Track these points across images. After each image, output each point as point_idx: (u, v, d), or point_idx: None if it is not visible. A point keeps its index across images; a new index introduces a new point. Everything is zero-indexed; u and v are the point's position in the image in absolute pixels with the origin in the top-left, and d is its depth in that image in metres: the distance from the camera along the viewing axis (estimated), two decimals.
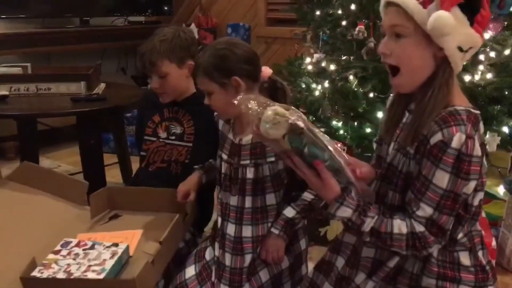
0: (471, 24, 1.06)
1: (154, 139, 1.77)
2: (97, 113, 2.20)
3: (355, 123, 2.24)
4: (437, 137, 1.04)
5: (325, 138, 1.06)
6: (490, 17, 1.10)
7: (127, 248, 1.31)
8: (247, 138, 1.37)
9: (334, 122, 2.29)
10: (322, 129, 2.35)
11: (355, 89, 2.16)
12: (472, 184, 1.05)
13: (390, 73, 1.15)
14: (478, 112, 1.10)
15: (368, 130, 2.19)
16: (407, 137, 1.11)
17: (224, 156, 1.43)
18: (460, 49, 1.06)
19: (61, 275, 1.19)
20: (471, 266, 1.14)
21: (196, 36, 3.90)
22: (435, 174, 1.04)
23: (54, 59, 3.50)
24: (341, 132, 2.28)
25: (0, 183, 1.72)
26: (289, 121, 0.99)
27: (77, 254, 1.28)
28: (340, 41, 2.32)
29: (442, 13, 1.03)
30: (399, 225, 1.08)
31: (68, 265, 1.23)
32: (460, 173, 1.03)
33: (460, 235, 1.14)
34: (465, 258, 1.14)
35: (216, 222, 1.49)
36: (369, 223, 1.09)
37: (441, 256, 1.13)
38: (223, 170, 1.43)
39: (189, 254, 1.52)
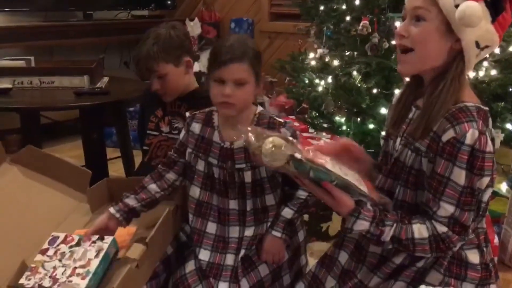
0: (493, 21, 1.06)
1: (157, 133, 1.77)
2: (100, 107, 2.20)
3: (358, 119, 2.24)
4: (450, 134, 1.04)
5: (328, 162, 1.07)
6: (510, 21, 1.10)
7: (113, 241, 1.28)
8: (238, 143, 1.35)
9: (337, 118, 2.28)
10: (325, 125, 2.35)
11: (359, 85, 2.15)
12: (486, 180, 1.05)
13: (400, 52, 1.14)
14: (487, 108, 1.10)
15: (371, 126, 2.18)
16: (416, 130, 1.11)
17: (213, 161, 1.39)
18: (477, 44, 1.06)
19: (46, 282, 1.19)
20: (477, 264, 1.14)
21: (200, 31, 3.90)
22: (452, 171, 1.05)
23: (57, 53, 3.50)
24: (344, 128, 2.27)
25: (3, 167, 1.69)
26: (288, 154, 1.04)
27: (63, 254, 1.26)
28: (344, 36, 2.31)
29: (472, 3, 1.02)
30: (419, 229, 1.08)
31: (54, 268, 1.23)
32: (473, 169, 1.03)
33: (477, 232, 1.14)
34: (471, 256, 1.14)
35: None
36: (388, 233, 1.09)
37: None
38: (216, 176, 1.39)
39: (190, 247, 1.52)
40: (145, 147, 1.79)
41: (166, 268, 1.44)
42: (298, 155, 1.04)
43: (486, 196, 1.11)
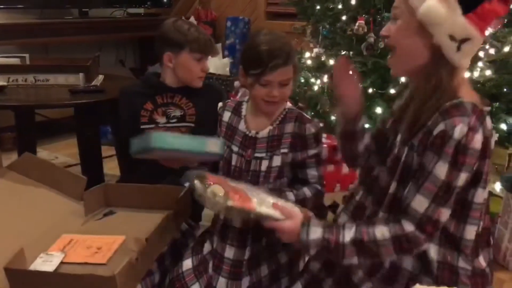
0: (464, 13, 1.05)
1: (152, 125, 1.77)
2: (95, 105, 2.19)
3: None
4: (440, 127, 1.04)
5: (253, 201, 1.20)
6: (501, 13, 1.07)
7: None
8: (264, 132, 1.41)
9: (333, 117, 2.29)
10: (321, 124, 2.35)
11: None
12: (463, 176, 1.05)
13: (389, 56, 1.19)
14: (487, 108, 1.10)
15: (367, 125, 2.18)
16: (406, 128, 1.12)
17: (235, 148, 1.43)
18: (452, 37, 1.06)
19: None
20: (469, 271, 1.13)
21: None
22: (436, 165, 1.05)
23: (52, 50, 3.48)
24: None
25: (0, 172, 1.71)
26: (222, 203, 1.17)
27: None
28: (340, 36, 2.32)
29: (432, 2, 1.04)
30: (382, 231, 1.08)
31: None
32: (456, 164, 1.03)
33: (462, 236, 1.12)
34: (463, 262, 1.13)
35: (215, 215, 1.49)
36: (347, 233, 1.09)
37: (441, 258, 1.12)
38: (233, 163, 1.43)
39: (185, 246, 1.52)
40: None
41: (160, 266, 1.44)
42: (229, 203, 1.17)
43: (478, 197, 1.10)
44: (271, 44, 1.32)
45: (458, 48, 1.07)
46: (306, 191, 1.41)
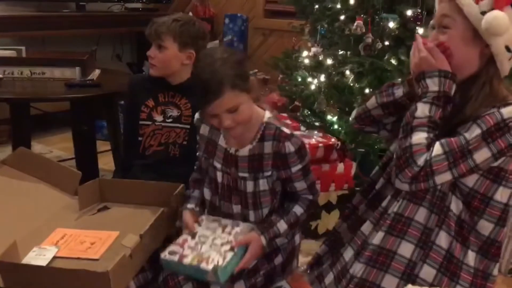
0: None
1: (150, 123, 1.78)
2: (91, 99, 2.19)
3: (350, 118, 2.24)
4: (493, 110, 1.05)
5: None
6: None
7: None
8: (244, 150, 1.34)
9: (329, 117, 2.29)
10: (317, 123, 2.36)
11: (351, 84, 2.16)
12: (485, 153, 1.05)
13: None
14: None
15: None
16: (442, 130, 1.12)
17: (218, 165, 1.39)
18: (508, 48, 1.07)
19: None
20: (472, 268, 1.13)
21: None
22: (468, 129, 1.06)
23: (49, 44, 3.46)
24: (336, 126, 2.28)
25: None
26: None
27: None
28: (338, 35, 2.32)
29: (499, 13, 1.04)
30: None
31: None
32: (487, 137, 1.04)
33: (475, 227, 1.13)
34: (472, 258, 1.13)
35: None
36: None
37: (450, 249, 1.12)
38: (219, 180, 1.40)
39: None
40: (140, 138, 1.80)
41: (153, 264, 1.44)
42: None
43: (498, 195, 1.11)
44: (202, 75, 1.23)
45: (510, 58, 1.09)
46: (297, 209, 1.39)
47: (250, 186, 1.36)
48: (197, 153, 1.50)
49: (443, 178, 1.08)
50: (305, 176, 1.37)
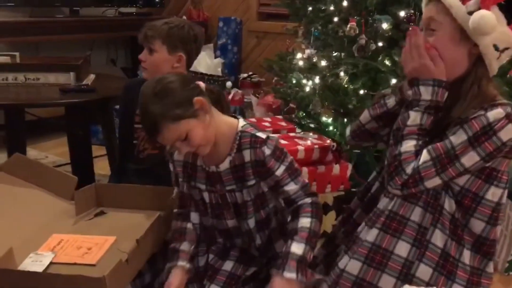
0: (508, 23, 1.09)
1: None
2: (86, 104, 2.18)
3: (345, 120, 2.25)
4: (480, 112, 1.06)
5: None
6: None
7: None
8: (224, 164, 1.29)
9: (324, 118, 2.30)
10: (312, 125, 2.36)
11: (346, 86, 2.17)
12: (473, 157, 1.06)
13: None
14: None
15: None
16: (431, 131, 1.13)
17: (202, 186, 1.34)
18: (496, 47, 1.08)
19: None
20: (469, 266, 1.14)
21: None
22: (455, 132, 1.07)
23: (43, 49, 3.46)
24: (331, 128, 2.29)
25: None
26: None
27: None
28: (332, 37, 2.32)
29: (485, 12, 1.05)
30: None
31: None
32: (474, 141, 1.05)
33: (467, 225, 1.14)
34: (467, 256, 1.14)
35: None
36: None
37: (446, 248, 1.13)
38: (207, 200, 1.36)
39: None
40: (135, 141, 1.80)
41: (151, 267, 1.43)
42: None
43: (490, 195, 1.12)
44: (141, 110, 1.22)
45: (499, 57, 1.10)
46: (303, 221, 1.26)
47: (239, 198, 1.32)
48: (174, 190, 1.43)
49: (433, 182, 1.10)
50: (293, 177, 1.29)
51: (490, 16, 1.05)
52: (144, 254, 1.36)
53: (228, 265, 1.37)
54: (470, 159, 1.07)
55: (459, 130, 1.08)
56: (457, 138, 1.07)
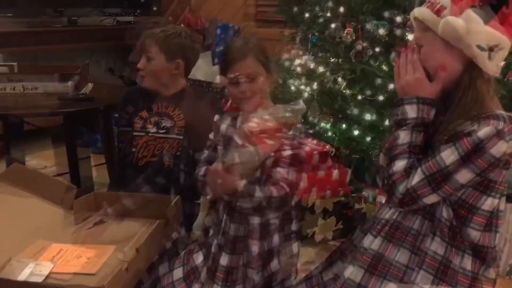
0: (486, 22, 1.09)
1: (143, 133, 1.79)
2: (85, 113, 2.18)
3: (343, 125, 2.26)
4: (472, 127, 1.07)
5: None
6: None
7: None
8: None
9: (322, 124, 2.30)
10: (311, 131, 2.36)
11: (343, 91, 2.17)
12: (467, 175, 1.07)
13: None
14: None
15: (356, 132, 2.20)
16: (437, 136, 1.14)
17: None
18: (480, 47, 1.09)
19: None
20: (471, 271, 1.14)
21: None
22: (446, 149, 1.08)
23: (41, 59, 3.46)
24: (329, 133, 2.29)
25: None
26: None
27: None
28: (329, 43, 2.33)
29: (449, 18, 1.08)
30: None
31: None
32: (466, 160, 1.05)
33: (463, 235, 1.14)
34: (468, 262, 1.14)
35: (205, 229, 1.49)
36: None
37: (445, 254, 1.13)
38: None
39: (176, 254, 1.52)
40: (133, 149, 1.80)
41: (150, 274, 1.43)
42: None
43: (486, 205, 1.12)
44: (233, 43, 1.49)
45: (489, 56, 1.10)
46: (272, 190, 1.34)
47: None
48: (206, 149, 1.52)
49: (431, 199, 1.11)
50: (291, 167, 1.37)
51: (453, 21, 1.08)
52: (143, 262, 1.36)
53: (224, 259, 1.38)
54: (464, 175, 1.08)
55: (451, 147, 1.08)
56: (449, 156, 1.07)
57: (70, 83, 2.27)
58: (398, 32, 2.09)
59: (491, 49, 1.10)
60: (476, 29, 1.08)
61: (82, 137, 3.05)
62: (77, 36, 3.48)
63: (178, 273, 1.42)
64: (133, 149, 1.80)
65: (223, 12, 4.00)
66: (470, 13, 1.09)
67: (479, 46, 1.09)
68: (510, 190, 1.82)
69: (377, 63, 2.10)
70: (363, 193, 2.22)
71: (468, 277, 1.14)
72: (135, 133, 1.79)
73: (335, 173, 2.14)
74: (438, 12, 1.11)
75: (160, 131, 1.77)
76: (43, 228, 1.50)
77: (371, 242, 1.18)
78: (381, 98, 2.06)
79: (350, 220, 2.18)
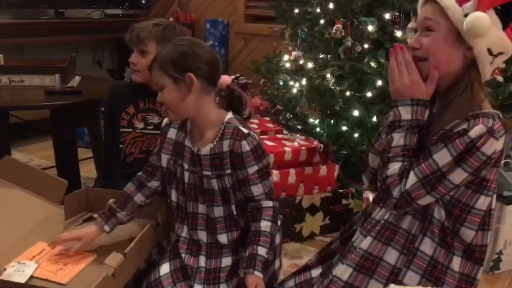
0: (504, 28, 1.09)
1: (130, 130, 1.77)
2: (72, 106, 2.16)
3: (332, 121, 2.26)
4: (462, 126, 1.06)
5: None
6: None
7: None
8: (205, 149, 1.35)
9: (311, 120, 2.31)
10: (299, 126, 2.37)
11: (332, 87, 2.18)
12: (461, 175, 1.07)
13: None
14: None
15: (344, 128, 2.21)
16: (428, 136, 1.14)
17: (186, 165, 1.40)
18: (490, 51, 1.08)
19: None
20: (457, 272, 1.15)
21: None
22: (439, 151, 1.08)
23: (27, 51, 3.42)
24: (318, 129, 2.30)
25: None
26: None
27: None
28: (318, 39, 2.34)
29: (480, 14, 1.05)
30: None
31: None
32: (459, 160, 1.05)
33: (457, 234, 1.14)
34: (457, 263, 1.15)
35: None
36: None
37: (434, 255, 1.14)
38: (186, 180, 1.40)
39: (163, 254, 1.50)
40: (121, 146, 1.78)
41: (137, 281, 1.43)
42: None
43: (480, 204, 1.13)
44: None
45: (492, 61, 1.11)
46: (264, 224, 1.34)
47: (215, 184, 1.36)
48: (151, 157, 1.48)
49: (426, 200, 1.12)
50: (262, 180, 1.34)
51: (484, 18, 1.05)
52: (131, 267, 1.34)
53: (203, 261, 1.38)
54: (457, 176, 1.08)
55: (443, 149, 1.07)
56: (442, 158, 1.07)
57: (56, 76, 2.25)
58: (387, 29, 2.10)
59: (496, 55, 1.10)
60: (494, 32, 1.08)
61: (83, 137, 3.01)
62: (64, 29, 3.44)
63: (164, 268, 1.41)
64: (120, 146, 1.78)
65: (212, 6, 3.99)
66: (493, 14, 1.08)
67: (489, 50, 1.09)
68: (509, 191, 1.85)
69: (365, 60, 2.11)
70: (350, 189, 2.24)
71: (456, 279, 1.14)
72: (122, 129, 1.77)
73: (323, 169, 2.16)
74: (461, 2, 1.08)
75: (148, 127, 1.75)
76: (32, 223, 1.49)
77: (361, 241, 1.18)
78: (369, 94, 2.07)
79: (337, 215, 2.19)
